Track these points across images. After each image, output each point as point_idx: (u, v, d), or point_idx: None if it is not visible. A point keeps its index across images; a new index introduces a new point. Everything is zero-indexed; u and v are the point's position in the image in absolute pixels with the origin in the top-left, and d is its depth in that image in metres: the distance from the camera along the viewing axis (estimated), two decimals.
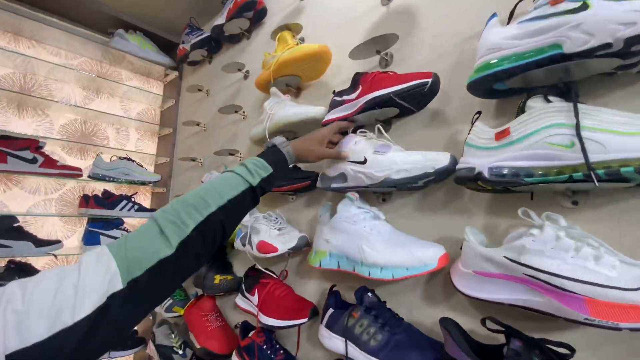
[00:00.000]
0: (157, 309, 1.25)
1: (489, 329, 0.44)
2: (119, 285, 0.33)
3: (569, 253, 0.38)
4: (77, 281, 0.31)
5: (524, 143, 0.42)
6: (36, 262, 1.29)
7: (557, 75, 0.44)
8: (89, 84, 1.55)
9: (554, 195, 0.47)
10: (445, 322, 0.48)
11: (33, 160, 1.27)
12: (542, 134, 0.40)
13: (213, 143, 1.32)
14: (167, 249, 0.37)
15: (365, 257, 0.57)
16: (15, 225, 1.23)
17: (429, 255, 0.52)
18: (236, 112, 1.14)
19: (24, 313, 0.29)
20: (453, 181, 0.53)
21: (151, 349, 1.22)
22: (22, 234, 1.23)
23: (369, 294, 0.62)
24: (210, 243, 0.42)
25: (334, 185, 0.68)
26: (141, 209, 1.53)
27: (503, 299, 0.43)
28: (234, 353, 0.86)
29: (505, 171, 0.43)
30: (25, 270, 1.23)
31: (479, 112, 0.52)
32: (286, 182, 0.82)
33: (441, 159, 0.54)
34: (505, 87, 0.50)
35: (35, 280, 0.31)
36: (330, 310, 0.66)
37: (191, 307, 1.04)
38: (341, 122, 0.69)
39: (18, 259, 1.22)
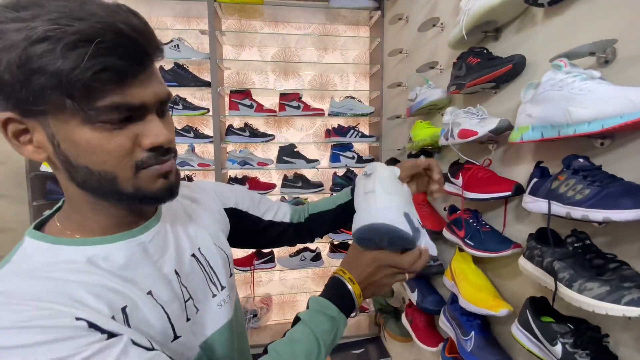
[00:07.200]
0: None
1: None
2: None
3: None
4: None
5: None
6: (307, 172, 1.99)
7: None
8: (319, 44, 2.03)
9: None
10: None
11: (298, 107, 1.89)
12: None
13: (415, 64, 1.44)
14: None
15: (571, 118, 0.57)
16: (295, 150, 1.92)
17: None
18: (434, 25, 1.20)
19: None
20: None
21: None
22: (299, 155, 1.92)
23: (580, 159, 0.61)
24: None
25: None
26: (363, 135, 1.95)
27: None
28: (444, 229, 1.05)
29: None
30: (304, 180, 1.93)
31: None
32: (483, 72, 0.84)
33: None
34: None
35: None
36: (535, 180, 0.70)
37: None
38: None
39: (299, 172, 1.94)
